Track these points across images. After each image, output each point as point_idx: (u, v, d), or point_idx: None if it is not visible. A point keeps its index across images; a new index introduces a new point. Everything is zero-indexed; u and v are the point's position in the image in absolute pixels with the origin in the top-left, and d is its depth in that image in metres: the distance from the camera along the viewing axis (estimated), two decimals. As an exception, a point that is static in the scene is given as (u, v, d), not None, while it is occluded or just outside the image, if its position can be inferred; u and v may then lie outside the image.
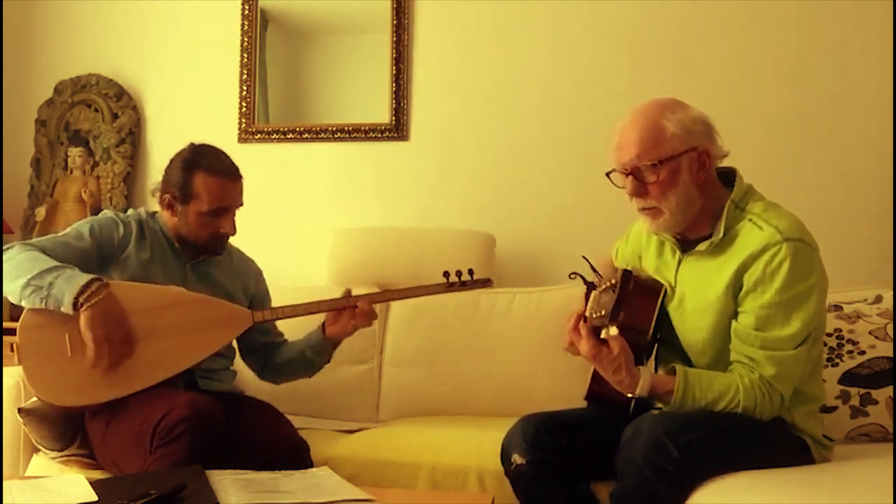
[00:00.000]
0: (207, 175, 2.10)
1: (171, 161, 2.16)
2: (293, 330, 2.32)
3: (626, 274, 1.70)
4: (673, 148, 1.74)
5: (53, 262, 1.94)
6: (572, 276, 1.90)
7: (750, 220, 1.76)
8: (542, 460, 1.79)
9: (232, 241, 2.31)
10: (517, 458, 1.81)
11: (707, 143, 1.77)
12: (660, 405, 1.82)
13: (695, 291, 1.82)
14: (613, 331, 1.64)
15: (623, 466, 1.67)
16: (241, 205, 2.17)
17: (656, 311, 1.84)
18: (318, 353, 2.23)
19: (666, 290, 1.87)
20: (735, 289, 1.74)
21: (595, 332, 1.70)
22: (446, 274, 2.21)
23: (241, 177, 2.16)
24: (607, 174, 1.83)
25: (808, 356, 1.76)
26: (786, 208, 1.80)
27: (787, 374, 1.71)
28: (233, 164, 2.15)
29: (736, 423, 1.70)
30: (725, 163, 1.85)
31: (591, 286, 1.85)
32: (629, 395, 1.72)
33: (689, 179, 1.76)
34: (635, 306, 1.81)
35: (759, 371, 1.70)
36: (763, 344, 1.70)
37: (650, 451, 1.61)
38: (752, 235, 1.73)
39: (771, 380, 1.70)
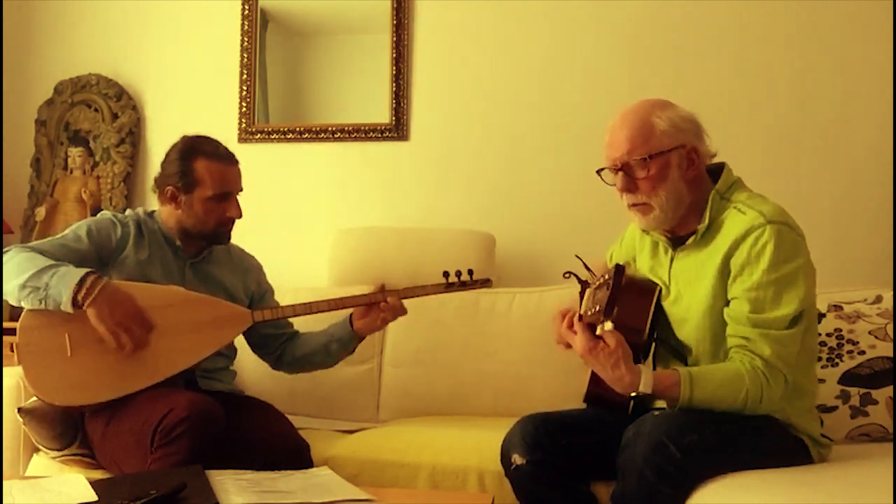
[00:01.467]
0: (208, 160, 2.11)
1: (167, 154, 2.17)
2: (301, 320, 2.31)
3: (619, 268, 1.69)
4: (662, 144, 1.77)
5: (48, 262, 1.95)
6: (566, 275, 1.91)
7: (735, 207, 1.78)
8: (541, 460, 1.79)
9: (233, 239, 2.31)
10: (517, 459, 1.81)
11: (696, 141, 1.80)
12: (660, 405, 1.81)
13: (688, 285, 1.82)
14: (608, 326, 1.63)
15: (624, 467, 1.66)
16: (241, 190, 2.18)
17: (651, 310, 1.84)
18: (343, 346, 2.25)
19: (660, 289, 1.88)
20: (724, 275, 1.75)
21: (591, 329, 1.69)
22: (446, 274, 2.21)
23: (237, 161, 2.18)
24: (598, 172, 1.85)
25: (802, 342, 1.76)
26: (783, 207, 1.79)
27: (785, 353, 1.70)
28: (228, 149, 2.17)
29: (736, 424, 1.70)
30: (718, 161, 1.86)
31: (584, 284, 1.85)
32: (631, 395, 1.69)
33: (678, 176, 1.78)
34: (630, 306, 1.80)
35: (758, 353, 1.69)
36: (755, 325, 1.70)
37: (651, 453, 1.61)
38: (736, 220, 1.75)
39: (770, 360, 1.68)
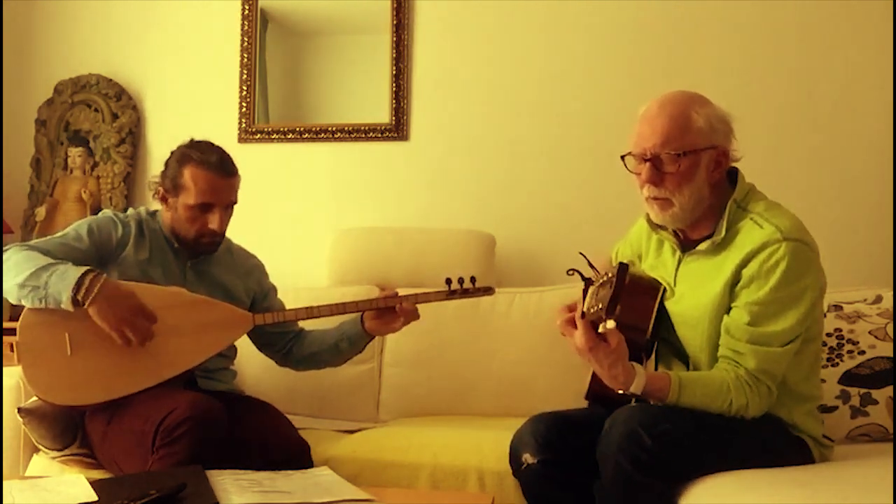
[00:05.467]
0: (197, 168, 2.10)
1: (171, 154, 2.17)
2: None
3: (623, 267, 1.68)
4: (697, 142, 1.74)
5: (48, 260, 1.94)
6: (570, 272, 1.90)
7: (751, 218, 1.76)
8: (552, 460, 1.79)
9: (233, 239, 2.30)
10: (528, 458, 1.80)
11: (726, 143, 1.78)
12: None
13: (694, 290, 1.81)
14: (611, 324, 1.61)
15: (601, 458, 1.67)
16: (234, 202, 2.16)
17: (655, 310, 1.84)
18: (353, 345, 2.24)
19: (665, 289, 1.87)
20: (734, 285, 1.74)
21: (593, 327, 1.67)
22: (448, 281, 2.19)
23: (233, 174, 2.14)
24: (622, 157, 1.81)
25: (804, 356, 1.77)
26: (799, 219, 1.78)
27: (770, 370, 1.70)
28: (226, 160, 2.14)
29: (726, 421, 1.70)
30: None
31: (588, 282, 1.85)
32: (620, 392, 1.70)
33: (704, 176, 1.76)
34: (634, 305, 1.79)
35: (743, 365, 1.70)
36: (751, 338, 1.70)
37: (624, 441, 1.61)
38: (752, 233, 1.73)
39: (755, 373, 1.69)
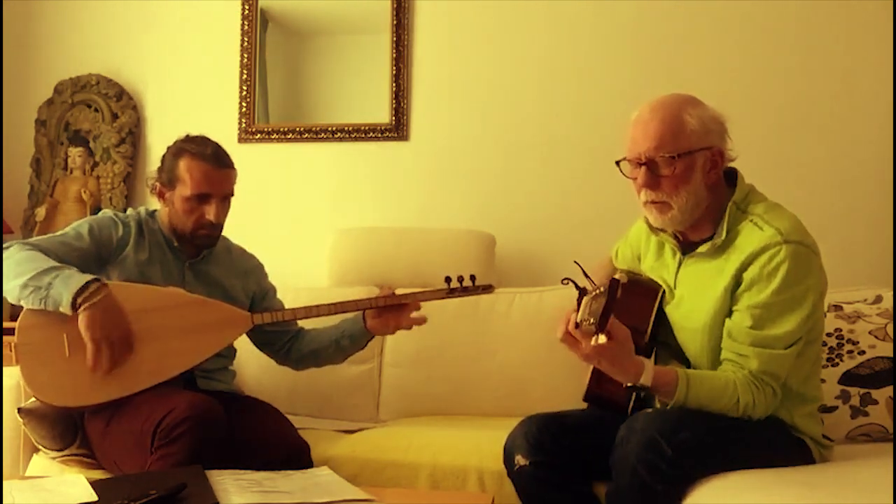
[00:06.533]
0: (191, 159, 2.11)
1: (167, 149, 2.18)
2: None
3: (614, 282, 1.66)
4: (691, 144, 1.73)
5: (52, 262, 1.94)
6: (564, 281, 1.89)
7: (751, 220, 1.75)
8: (545, 461, 1.79)
9: (233, 239, 2.30)
10: (520, 460, 1.80)
11: (721, 143, 1.78)
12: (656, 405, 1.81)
13: (694, 293, 1.81)
14: (602, 339, 1.60)
15: (617, 465, 1.66)
16: (231, 194, 2.16)
17: (654, 312, 1.83)
18: (354, 343, 2.24)
19: (664, 292, 1.87)
20: (734, 289, 1.74)
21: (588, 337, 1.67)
22: (448, 279, 2.19)
23: (229, 166, 2.15)
24: (617, 163, 1.82)
25: (805, 357, 1.77)
26: (799, 220, 1.78)
27: (774, 372, 1.70)
28: (221, 152, 2.15)
29: (732, 423, 1.70)
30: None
31: (583, 291, 1.84)
32: (629, 385, 1.68)
33: (700, 178, 1.76)
34: (632, 307, 1.79)
35: (747, 367, 1.70)
36: (754, 341, 1.70)
37: (644, 450, 1.61)
38: (752, 236, 1.73)
39: (758, 374, 1.69)
